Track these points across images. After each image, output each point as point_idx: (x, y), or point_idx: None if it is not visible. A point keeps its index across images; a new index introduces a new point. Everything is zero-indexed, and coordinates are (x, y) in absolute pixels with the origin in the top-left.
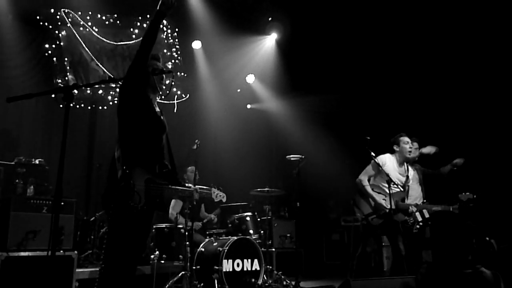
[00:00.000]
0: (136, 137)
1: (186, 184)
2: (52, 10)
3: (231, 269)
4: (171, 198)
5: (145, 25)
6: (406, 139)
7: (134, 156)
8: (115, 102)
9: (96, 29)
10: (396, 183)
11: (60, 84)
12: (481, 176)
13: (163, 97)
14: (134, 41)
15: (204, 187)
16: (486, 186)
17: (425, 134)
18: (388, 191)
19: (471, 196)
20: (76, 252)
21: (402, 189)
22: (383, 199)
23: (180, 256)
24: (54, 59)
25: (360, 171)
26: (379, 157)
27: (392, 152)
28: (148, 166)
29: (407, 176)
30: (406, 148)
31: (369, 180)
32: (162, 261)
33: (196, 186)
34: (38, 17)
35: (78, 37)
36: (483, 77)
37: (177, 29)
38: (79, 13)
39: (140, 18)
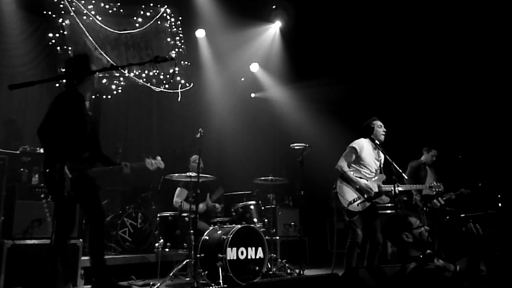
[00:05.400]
0: (59, 134)
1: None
2: None
3: (235, 257)
4: (102, 178)
5: (148, 14)
6: (379, 123)
7: (57, 149)
8: (119, 91)
9: (100, 18)
10: (374, 167)
11: None
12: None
13: (162, 87)
14: (138, 30)
15: (207, 175)
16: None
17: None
18: (367, 176)
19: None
20: (81, 240)
21: (379, 173)
22: (365, 183)
23: (185, 244)
24: (58, 48)
25: None
26: (357, 142)
27: (365, 136)
28: (70, 156)
29: (381, 160)
30: (380, 132)
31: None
32: (167, 249)
33: (126, 162)
34: (41, 6)
35: (82, 26)
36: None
37: (180, 18)
38: (82, 1)
39: (143, 6)
